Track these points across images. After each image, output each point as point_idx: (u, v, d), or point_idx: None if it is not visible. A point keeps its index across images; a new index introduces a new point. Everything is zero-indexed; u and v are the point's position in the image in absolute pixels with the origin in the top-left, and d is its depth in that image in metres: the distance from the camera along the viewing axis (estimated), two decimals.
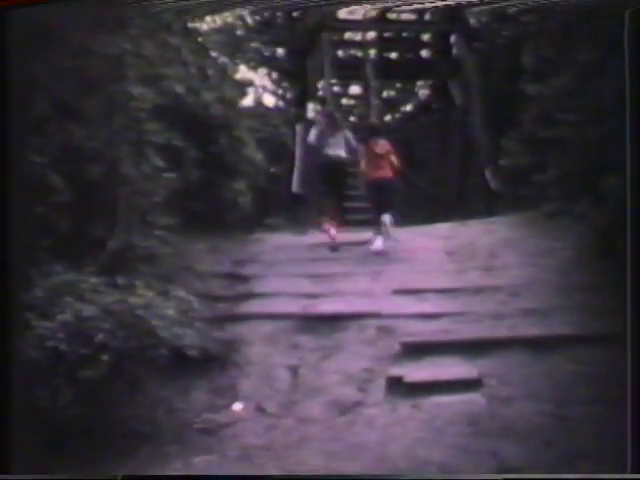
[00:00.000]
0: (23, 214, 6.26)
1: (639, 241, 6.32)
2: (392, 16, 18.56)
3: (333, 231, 11.31)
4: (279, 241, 11.89)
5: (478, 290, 8.87)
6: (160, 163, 8.88)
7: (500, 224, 11.74)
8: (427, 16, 18.45)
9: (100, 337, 6.39)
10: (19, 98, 6.19)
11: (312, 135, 11.82)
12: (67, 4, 7.08)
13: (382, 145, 11.50)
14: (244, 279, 9.74)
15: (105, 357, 6.40)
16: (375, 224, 11.10)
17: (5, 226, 5.98)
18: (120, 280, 7.05)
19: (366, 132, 12.26)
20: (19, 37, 6.24)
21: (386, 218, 10.97)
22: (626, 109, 6.41)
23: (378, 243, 10.84)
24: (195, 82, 11.61)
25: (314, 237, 12.20)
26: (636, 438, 5.84)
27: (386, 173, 11.22)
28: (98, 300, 6.65)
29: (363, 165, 11.54)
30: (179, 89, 10.73)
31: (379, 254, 10.72)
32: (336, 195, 11.85)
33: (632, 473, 5.79)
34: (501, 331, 7.92)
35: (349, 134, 11.94)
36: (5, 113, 6.07)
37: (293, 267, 10.17)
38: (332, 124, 11.95)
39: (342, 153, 11.73)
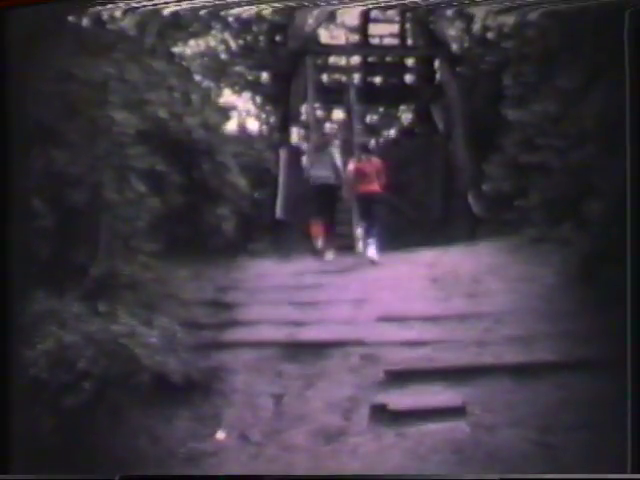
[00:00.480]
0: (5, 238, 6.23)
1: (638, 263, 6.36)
2: (375, 41, 18.67)
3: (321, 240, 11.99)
4: (263, 268, 11.85)
5: (462, 317, 8.87)
6: (143, 188, 8.84)
7: (483, 249, 11.75)
8: (410, 41, 18.57)
9: (82, 365, 6.34)
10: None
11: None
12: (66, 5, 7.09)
13: (373, 162, 12.39)
14: (228, 306, 9.68)
15: (87, 385, 6.34)
16: (367, 235, 11.86)
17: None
18: (102, 307, 7.00)
19: (357, 150, 13.10)
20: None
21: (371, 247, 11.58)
22: (625, 113, 6.44)
23: (373, 251, 11.46)
24: (178, 107, 11.58)
25: (298, 263, 12.19)
26: (636, 438, 5.88)
27: (375, 187, 12.05)
28: (80, 328, 6.60)
29: (353, 180, 12.19)
30: (162, 114, 10.69)
31: (373, 263, 11.29)
32: (325, 213, 12.41)
33: (632, 473, 5.82)
34: (485, 358, 7.92)
35: (335, 153, 12.16)
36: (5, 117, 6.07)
37: (277, 294, 10.12)
38: (319, 145, 12.29)
39: (327, 173, 12.34)
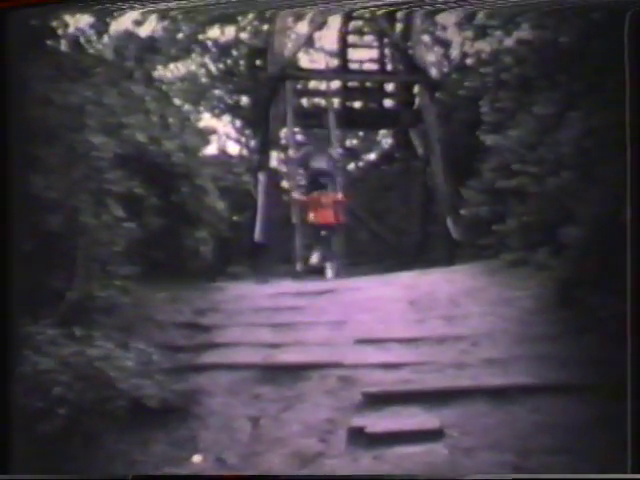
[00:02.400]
0: None
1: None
2: (355, 66, 18.80)
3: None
4: (241, 290, 11.84)
5: (440, 339, 8.88)
6: (120, 213, 8.82)
7: (461, 273, 11.81)
8: (389, 66, 18.69)
9: (57, 390, 6.29)
10: None
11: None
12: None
13: (328, 196, 14.44)
14: (205, 329, 9.66)
15: (62, 410, 6.29)
16: (324, 260, 13.89)
17: None
18: (78, 331, 6.96)
19: (312, 186, 15.17)
20: None
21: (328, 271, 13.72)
22: (626, 118, 6.49)
23: (329, 274, 13.58)
24: (157, 130, 11.61)
25: (276, 286, 12.19)
26: (636, 439, 5.90)
27: (330, 220, 14.08)
28: (56, 352, 6.55)
29: (311, 214, 14.27)
30: (141, 138, 10.71)
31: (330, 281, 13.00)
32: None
33: (632, 473, 5.84)
34: (463, 381, 7.91)
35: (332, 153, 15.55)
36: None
37: (255, 316, 10.12)
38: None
39: (324, 165, 15.38)
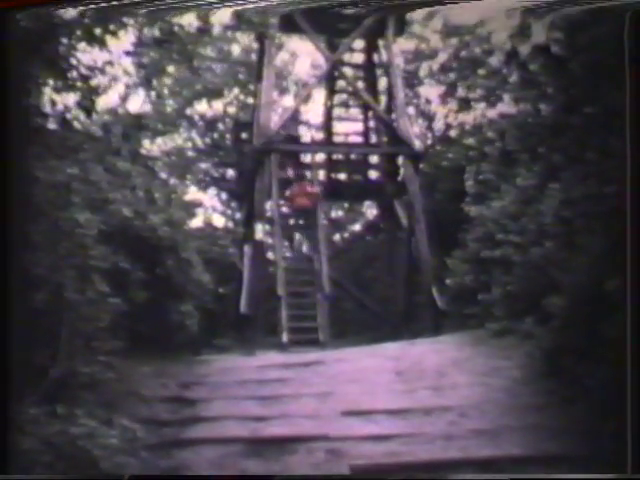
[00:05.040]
0: None
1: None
2: (340, 138, 19.02)
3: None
4: (226, 363, 11.78)
5: (428, 411, 8.82)
6: (105, 288, 8.79)
7: (448, 343, 11.79)
8: (374, 138, 18.92)
9: (39, 471, 6.18)
10: None
11: None
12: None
13: (306, 185, 16.99)
14: (190, 403, 9.57)
15: None
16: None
17: None
18: (61, 410, 6.85)
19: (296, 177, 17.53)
20: None
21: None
22: (626, 122, 6.54)
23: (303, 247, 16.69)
24: (143, 205, 11.67)
25: (262, 358, 12.12)
26: (636, 439, 5.85)
27: (306, 202, 16.66)
28: (38, 432, 6.45)
29: (292, 195, 16.83)
30: (127, 212, 10.77)
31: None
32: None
33: (632, 473, 5.78)
34: (452, 452, 7.85)
35: None
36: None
37: (240, 389, 10.04)
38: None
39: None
